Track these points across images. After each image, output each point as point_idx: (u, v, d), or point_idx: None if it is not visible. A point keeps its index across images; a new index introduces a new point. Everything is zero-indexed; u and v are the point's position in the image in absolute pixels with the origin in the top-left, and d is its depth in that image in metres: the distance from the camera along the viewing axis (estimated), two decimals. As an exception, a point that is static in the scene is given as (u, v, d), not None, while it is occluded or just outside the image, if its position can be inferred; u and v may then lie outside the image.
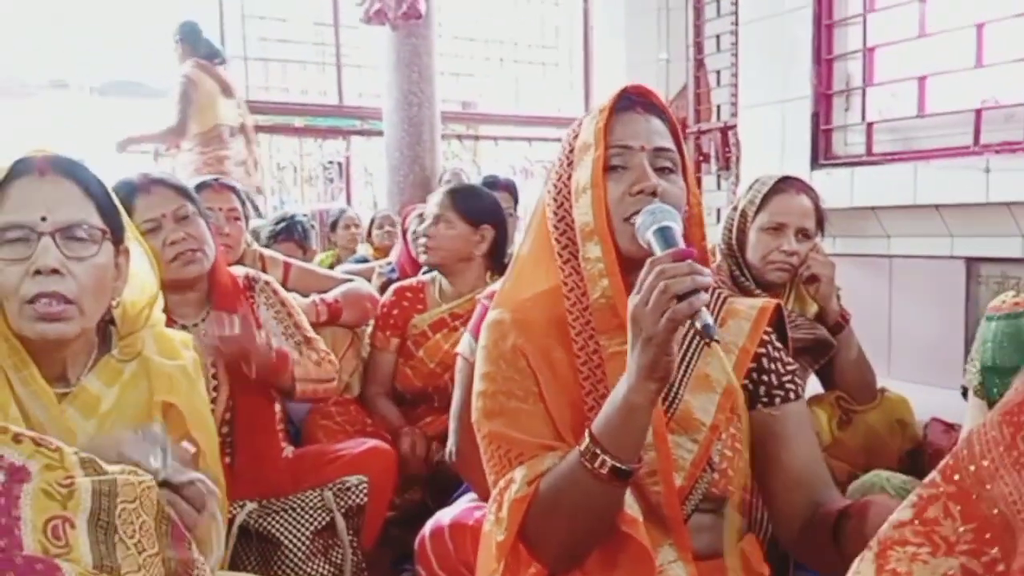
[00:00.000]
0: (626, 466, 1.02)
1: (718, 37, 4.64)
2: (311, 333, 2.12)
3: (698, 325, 0.95)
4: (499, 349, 1.20)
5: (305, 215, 4.09)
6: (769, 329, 1.22)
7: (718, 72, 4.67)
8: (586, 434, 1.05)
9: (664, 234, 1.05)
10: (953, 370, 2.85)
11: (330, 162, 6.47)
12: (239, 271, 2.08)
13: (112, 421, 1.28)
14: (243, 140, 4.87)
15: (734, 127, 4.04)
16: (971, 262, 2.73)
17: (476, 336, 1.73)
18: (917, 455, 2.28)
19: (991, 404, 1.46)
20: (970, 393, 1.53)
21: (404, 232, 3.44)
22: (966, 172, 2.53)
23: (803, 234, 2.13)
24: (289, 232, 3.79)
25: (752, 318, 1.20)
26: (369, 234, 4.90)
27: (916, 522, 0.59)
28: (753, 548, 1.25)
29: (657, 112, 1.20)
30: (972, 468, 0.59)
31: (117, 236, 1.30)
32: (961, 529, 0.58)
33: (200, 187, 2.57)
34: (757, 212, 2.13)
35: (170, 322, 1.76)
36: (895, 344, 2.94)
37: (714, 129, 4.67)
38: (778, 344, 1.23)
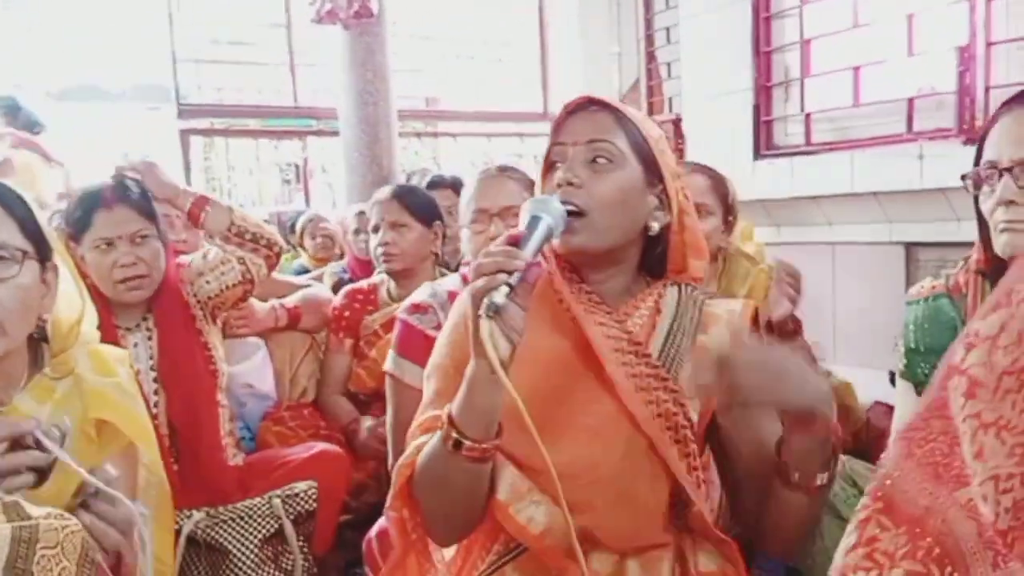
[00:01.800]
0: (471, 443, 1.04)
1: (668, 30, 4.66)
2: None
3: (485, 301, 0.98)
4: (460, 328, 1.23)
5: (265, 219, 4.06)
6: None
7: (668, 65, 4.71)
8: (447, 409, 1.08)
9: (531, 223, 1.08)
10: (892, 353, 2.91)
11: (288, 164, 6.43)
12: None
13: (48, 439, 1.29)
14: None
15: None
16: (910, 247, 2.79)
17: (401, 353, 1.76)
18: (861, 435, 2.32)
19: (916, 385, 1.49)
20: (897, 377, 1.55)
21: (345, 233, 3.45)
22: (901, 159, 2.59)
23: (702, 211, 2.12)
24: None
25: (731, 324, 1.21)
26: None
27: (861, 545, 0.64)
28: None
29: (613, 111, 1.21)
30: (888, 482, 0.64)
31: (43, 254, 1.29)
32: (897, 536, 0.62)
33: None
34: None
35: (111, 326, 1.78)
36: (839, 328, 3.00)
37: (667, 121, 4.71)
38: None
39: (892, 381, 1.62)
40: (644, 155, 1.19)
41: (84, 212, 1.85)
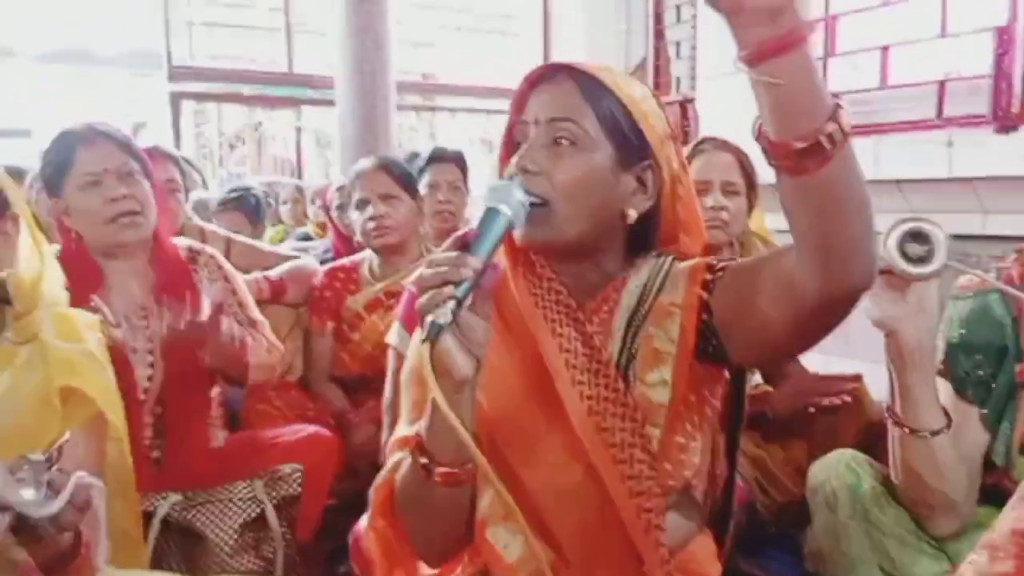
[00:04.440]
0: (442, 468, 0.95)
1: (678, 8, 4.54)
2: (257, 314, 1.98)
3: (428, 321, 0.87)
4: None
5: (265, 189, 3.94)
6: (710, 276, 1.06)
7: (677, 44, 4.58)
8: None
9: (485, 217, 0.95)
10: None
11: (280, 133, 6.28)
12: (181, 242, 1.94)
13: (6, 407, 1.18)
14: None
15: (692, 100, 3.96)
16: (931, 239, 2.69)
17: (406, 325, 1.64)
18: (874, 435, 2.23)
19: (957, 383, 1.39)
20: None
21: (327, 210, 3.30)
22: (928, 147, 2.48)
23: (729, 189, 2.07)
24: (240, 203, 3.63)
25: (687, 273, 1.07)
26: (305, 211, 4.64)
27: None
28: (704, 547, 1.16)
29: (581, 80, 1.05)
30: None
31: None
32: None
33: None
34: None
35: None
36: (853, 323, 2.88)
37: (673, 103, 4.59)
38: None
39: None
40: (618, 131, 1.04)
41: (65, 149, 1.71)
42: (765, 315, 0.95)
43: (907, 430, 1.24)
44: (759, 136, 0.83)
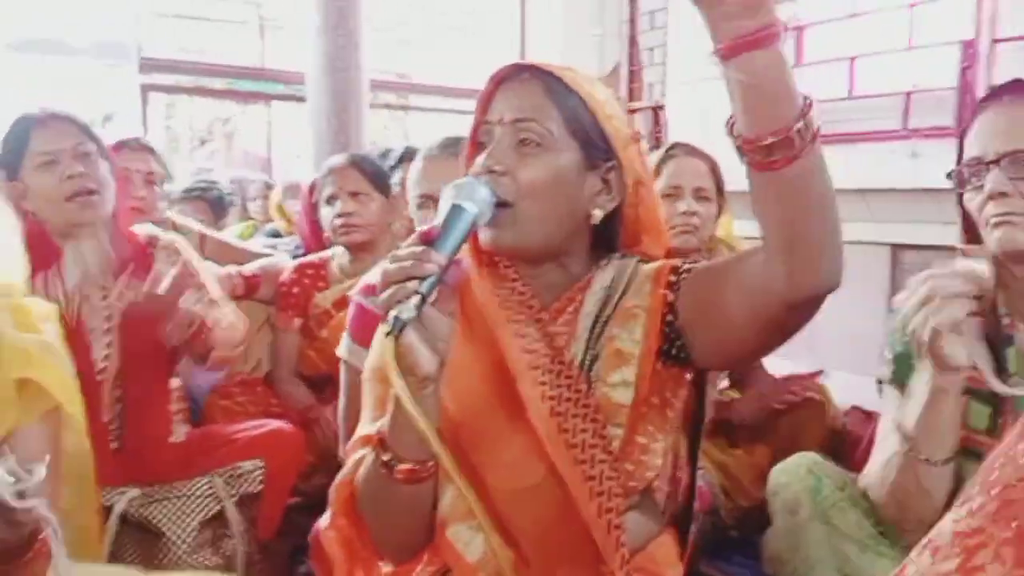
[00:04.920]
0: (405, 464, 0.95)
1: (652, 14, 4.56)
2: (216, 296, 1.97)
3: (391, 316, 0.87)
4: None
5: (233, 184, 3.93)
6: (674, 278, 1.07)
7: (651, 50, 4.60)
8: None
9: (450, 213, 0.95)
10: (873, 357, 2.85)
11: (250, 128, 6.22)
12: (141, 229, 1.92)
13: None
14: None
15: (664, 106, 3.98)
16: (895, 249, 2.73)
17: (355, 337, 1.63)
18: (837, 441, 2.26)
19: (903, 390, 1.39)
20: (884, 386, 1.46)
21: (311, 207, 3.27)
22: (893, 157, 2.51)
23: (700, 195, 2.13)
24: (204, 192, 3.61)
25: (652, 275, 1.07)
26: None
27: (960, 571, 0.53)
28: (664, 548, 1.16)
29: (546, 80, 1.05)
30: None
31: None
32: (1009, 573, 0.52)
33: (118, 146, 2.41)
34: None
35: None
36: (817, 330, 2.91)
37: (646, 108, 4.61)
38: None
39: (879, 391, 1.53)
40: (583, 132, 1.05)
41: (20, 132, 1.71)
42: (730, 316, 0.96)
43: (933, 461, 1.25)
44: (731, 131, 0.84)
